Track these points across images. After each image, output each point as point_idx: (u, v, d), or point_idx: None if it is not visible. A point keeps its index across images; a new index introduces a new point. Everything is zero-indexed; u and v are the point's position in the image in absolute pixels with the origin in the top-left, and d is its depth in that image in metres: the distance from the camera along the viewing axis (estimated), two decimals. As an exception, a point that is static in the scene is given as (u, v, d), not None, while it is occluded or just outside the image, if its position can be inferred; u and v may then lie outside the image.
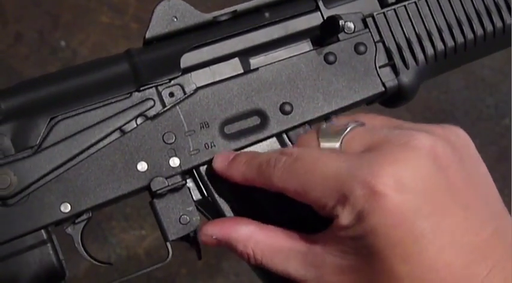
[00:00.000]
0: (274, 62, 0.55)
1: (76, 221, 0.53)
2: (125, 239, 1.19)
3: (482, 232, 0.44)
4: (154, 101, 0.53)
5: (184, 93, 0.54)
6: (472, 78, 1.34)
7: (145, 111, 0.53)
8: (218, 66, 0.55)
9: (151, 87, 0.53)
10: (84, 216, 0.53)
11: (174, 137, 0.53)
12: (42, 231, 0.51)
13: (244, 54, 0.55)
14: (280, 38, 0.56)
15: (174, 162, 0.53)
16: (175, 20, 0.54)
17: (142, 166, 0.52)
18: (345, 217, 0.44)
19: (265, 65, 0.55)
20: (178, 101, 0.53)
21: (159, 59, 0.54)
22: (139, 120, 0.53)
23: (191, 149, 0.53)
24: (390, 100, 0.59)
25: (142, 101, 0.53)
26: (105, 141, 0.52)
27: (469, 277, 0.42)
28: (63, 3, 1.42)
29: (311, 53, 0.56)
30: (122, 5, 1.43)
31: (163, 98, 0.53)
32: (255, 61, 0.56)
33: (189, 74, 0.54)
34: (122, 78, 0.53)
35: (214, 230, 0.50)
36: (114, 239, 1.19)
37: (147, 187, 0.53)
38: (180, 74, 0.53)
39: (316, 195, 0.45)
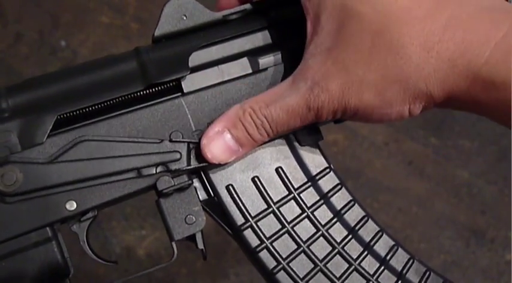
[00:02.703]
0: (283, 63, 0.55)
1: (82, 219, 0.53)
2: (125, 239, 1.19)
3: None
4: (181, 155, 0.53)
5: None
6: (472, 78, 1.34)
7: (169, 162, 0.52)
8: (227, 65, 0.54)
9: (183, 142, 0.53)
10: (90, 214, 0.53)
11: (181, 136, 0.53)
12: (47, 228, 0.51)
13: (253, 54, 0.55)
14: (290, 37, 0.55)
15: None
16: (184, 18, 0.54)
17: None
18: None
19: (274, 65, 0.55)
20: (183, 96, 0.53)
21: (168, 57, 0.53)
22: (159, 169, 0.52)
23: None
24: None
25: (170, 152, 0.53)
26: (120, 177, 0.52)
27: (489, 35, 0.43)
28: (63, 3, 1.42)
29: None
30: (122, 5, 1.43)
31: (191, 155, 0.53)
32: (264, 61, 0.55)
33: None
34: (130, 76, 0.52)
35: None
36: (114, 239, 1.19)
37: (154, 187, 0.53)
38: (188, 72, 0.53)
39: None
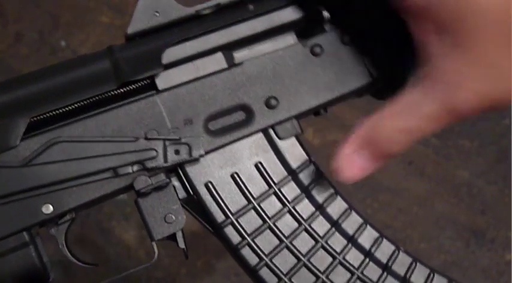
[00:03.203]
0: (259, 56, 0.54)
1: (59, 222, 0.52)
2: (125, 239, 1.19)
3: None
4: (157, 152, 0.52)
5: (190, 155, 0.52)
6: (472, 78, 1.34)
7: (145, 160, 0.52)
8: (201, 61, 0.53)
9: (158, 139, 0.52)
10: (68, 217, 0.52)
11: (157, 135, 0.52)
12: (24, 232, 0.51)
13: (228, 48, 0.54)
14: (265, 31, 0.54)
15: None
16: (157, 14, 0.53)
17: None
18: None
19: (250, 59, 0.54)
20: (158, 94, 0.52)
21: (141, 55, 0.52)
22: (135, 167, 0.52)
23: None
24: (380, 91, 0.58)
25: (146, 150, 0.52)
26: (96, 177, 0.51)
27: None
28: (63, 3, 1.42)
29: (297, 46, 0.55)
30: (122, 5, 1.43)
31: (168, 152, 0.52)
32: (239, 55, 0.54)
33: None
34: (103, 76, 0.52)
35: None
36: (114, 239, 1.19)
37: (131, 186, 0.52)
38: (162, 69, 0.52)
39: None
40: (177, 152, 0.52)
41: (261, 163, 0.55)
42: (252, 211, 0.54)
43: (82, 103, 0.51)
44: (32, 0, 1.42)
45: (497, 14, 0.44)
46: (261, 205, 0.54)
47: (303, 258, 0.54)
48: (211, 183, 0.54)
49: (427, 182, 1.29)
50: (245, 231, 0.54)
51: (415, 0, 0.46)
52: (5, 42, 1.38)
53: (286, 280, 0.54)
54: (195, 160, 0.53)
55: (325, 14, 0.53)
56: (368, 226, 0.55)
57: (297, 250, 0.54)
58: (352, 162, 0.49)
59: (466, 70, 0.45)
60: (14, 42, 1.38)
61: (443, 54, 0.46)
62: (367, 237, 0.55)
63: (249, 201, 0.54)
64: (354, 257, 0.55)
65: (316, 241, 0.54)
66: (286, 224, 0.55)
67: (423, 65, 0.47)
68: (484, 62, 0.45)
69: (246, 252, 0.54)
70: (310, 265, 0.54)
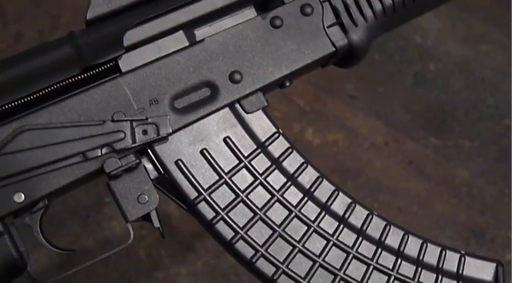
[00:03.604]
0: (220, 32, 0.55)
1: (33, 210, 0.52)
2: (125, 239, 1.19)
3: None
4: (125, 134, 0.52)
5: (158, 134, 0.52)
6: (472, 78, 1.34)
7: (113, 142, 0.52)
8: (163, 40, 0.54)
9: (125, 121, 0.52)
10: (41, 205, 0.52)
11: (123, 116, 0.52)
12: None
13: (189, 26, 0.54)
14: (224, 7, 0.55)
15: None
16: None
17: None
18: None
19: (211, 36, 0.54)
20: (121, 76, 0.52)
21: (102, 38, 0.52)
22: (104, 150, 0.52)
23: None
24: (343, 60, 0.58)
25: (114, 132, 0.52)
26: (66, 162, 0.51)
27: None
28: (63, 3, 1.42)
29: (256, 19, 0.55)
30: (122, 5, 1.43)
31: (135, 133, 0.52)
32: (200, 32, 0.55)
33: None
34: (66, 61, 0.52)
35: None
36: (114, 239, 1.19)
37: (102, 170, 0.52)
38: (123, 51, 0.52)
39: None
40: (144, 132, 0.53)
41: (229, 138, 0.55)
42: (224, 186, 0.55)
43: (46, 90, 0.51)
44: (32, 0, 1.41)
45: None
46: (233, 179, 0.55)
47: (278, 229, 0.54)
48: (181, 160, 0.54)
49: (427, 182, 1.29)
50: (218, 206, 0.54)
51: None
52: (5, 42, 1.38)
53: (262, 251, 0.54)
54: (164, 139, 0.53)
55: None
56: (341, 193, 0.56)
57: (271, 221, 0.55)
58: None
59: None
60: (14, 42, 1.38)
61: None
62: (340, 204, 0.56)
63: (220, 176, 0.55)
64: (328, 224, 0.55)
65: (290, 211, 0.55)
66: (259, 196, 0.55)
67: None
68: None
69: (220, 226, 0.54)
70: (285, 235, 0.55)
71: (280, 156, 0.55)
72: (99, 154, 0.52)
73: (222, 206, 0.54)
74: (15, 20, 1.41)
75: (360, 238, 0.55)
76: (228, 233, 0.54)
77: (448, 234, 1.25)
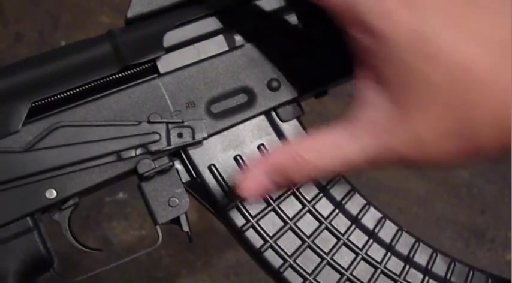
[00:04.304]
0: (258, 39, 0.54)
1: (63, 207, 0.52)
2: (125, 239, 1.19)
3: (503, 29, 0.41)
4: (160, 136, 0.52)
5: (194, 137, 0.52)
6: (472, 78, 1.34)
7: (148, 143, 0.52)
8: (203, 43, 0.53)
9: (161, 123, 0.52)
10: (71, 202, 0.52)
11: (159, 118, 0.52)
12: (28, 218, 0.51)
13: (229, 31, 0.54)
14: (267, 13, 0.54)
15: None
16: None
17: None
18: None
19: (250, 42, 0.54)
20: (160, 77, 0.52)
21: (142, 38, 0.52)
22: (139, 151, 0.52)
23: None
24: None
25: (149, 133, 0.52)
26: (99, 161, 0.51)
27: (498, 75, 0.41)
28: (63, 3, 1.42)
29: (300, 28, 0.55)
30: (122, 5, 1.43)
31: (171, 135, 0.52)
32: (239, 37, 0.54)
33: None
34: (104, 60, 0.52)
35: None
36: (114, 239, 1.19)
37: (135, 170, 0.52)
38: (163, 52, 0.52)
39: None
40: (180, 135, 0.52)
41: (263, 145, 0.55)
42: None
43: (84, 87, 0.51)
44: (32, 0, 1.42)
45: (444, 95, 0.43)
46: None
47: (307, 240, 0.54)
48: (214, 166, 0.54)
49: (427, 182, 1.29)
50: (249, 214, 0.54)
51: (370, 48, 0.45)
52: (5, 42, 1.38)
53: (291, 261, 0.54)
54: (198, 143, 0.53)
55: None
56: (371, 207, 0.56)
57: (301, 231, 0.55)
58: (254, 182, 0.47)
59: (392, 129, 0.45)
60: (14, 42, 1.38)
61: (379, 106, 0.45)
62: (370, 218, 0.56)
63: None
64: (358, 238, 0.55)
65: (321, 222, 0.55)
66: (290, 206, 0.55)
67: (354, 108, 0.46)
68: (411, 128, 0.44)
69: (250, 234, 0.54)
70: (314, 246, 0.55)
71: None
72: (134, 155, 0.52)
73: (253, 214, 0.54)
74: (15, 20, 1.41)
75: (389, 254, 0.55)
76: (257, 241, 0.54)
77: (448, 234, 1.25)
